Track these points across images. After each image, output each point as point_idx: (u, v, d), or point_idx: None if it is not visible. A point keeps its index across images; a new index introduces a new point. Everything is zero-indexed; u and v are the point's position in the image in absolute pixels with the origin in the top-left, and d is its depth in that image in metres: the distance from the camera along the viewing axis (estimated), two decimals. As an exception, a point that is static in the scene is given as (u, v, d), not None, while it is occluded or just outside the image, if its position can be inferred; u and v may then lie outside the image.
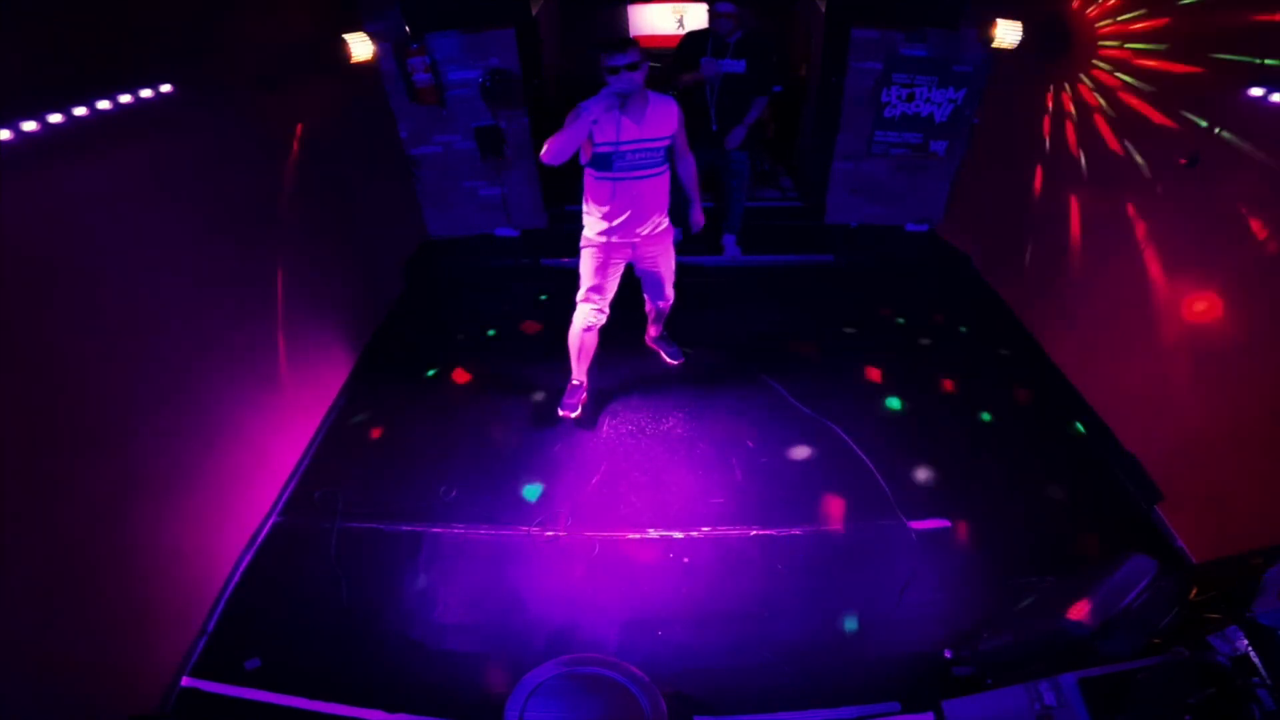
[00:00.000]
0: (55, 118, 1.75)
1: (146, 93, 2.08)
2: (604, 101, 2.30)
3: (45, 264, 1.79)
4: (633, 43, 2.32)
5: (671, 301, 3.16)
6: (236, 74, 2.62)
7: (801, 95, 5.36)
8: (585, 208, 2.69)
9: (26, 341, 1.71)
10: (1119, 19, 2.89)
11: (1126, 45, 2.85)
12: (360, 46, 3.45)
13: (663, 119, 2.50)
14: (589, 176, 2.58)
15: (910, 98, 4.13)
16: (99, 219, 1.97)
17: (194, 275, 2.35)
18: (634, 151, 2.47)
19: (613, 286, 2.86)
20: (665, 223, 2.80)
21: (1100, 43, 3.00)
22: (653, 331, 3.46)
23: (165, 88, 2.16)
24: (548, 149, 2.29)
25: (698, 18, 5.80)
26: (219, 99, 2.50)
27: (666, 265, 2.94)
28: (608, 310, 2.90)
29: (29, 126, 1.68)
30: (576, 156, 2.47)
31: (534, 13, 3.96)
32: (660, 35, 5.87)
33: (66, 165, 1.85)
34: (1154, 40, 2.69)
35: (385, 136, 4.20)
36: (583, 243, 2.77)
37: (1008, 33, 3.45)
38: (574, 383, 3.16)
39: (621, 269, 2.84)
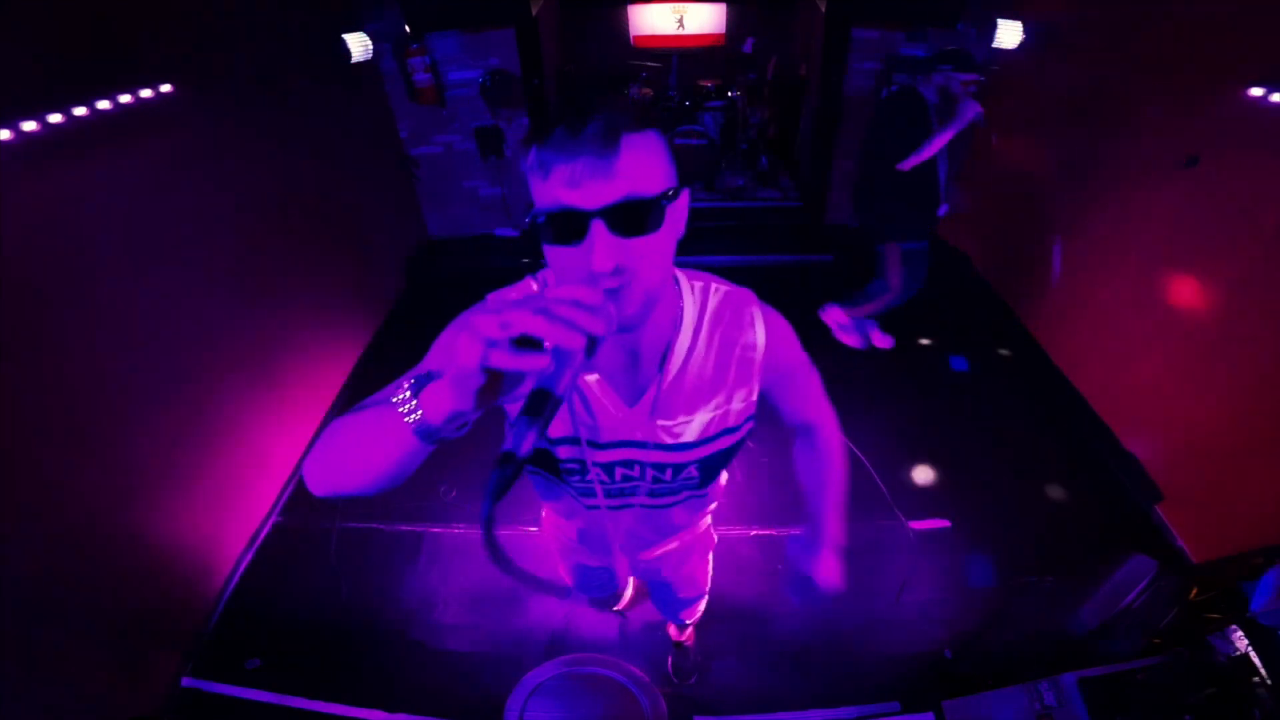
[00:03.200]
0: (55, 118, 1.75)
1: (146, 93, 2.08)
2: (473, 354, 0.56)
3: (45, 264, 1.79)
4: (641, 108, 0.85)
5: (692, 619, 1.81)
6: (236, 74, 2.62)
7: (801, 95, 5.36)
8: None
9: (26, 341, 1.71)
10: (1119, 18, 2.88)
11: (1126, 45, 2.84)
12: (360, 46, 3.45)
13: (725, 376, 0.93)
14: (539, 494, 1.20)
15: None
16: (99, 219, 1.97)
17: (193, 275, 2.35)
18: (610, 465, 0.98)
19: (610, 584, 1.57)
20: (707, 516, 1.38)
21: (1100, 42, 3.00)
22: (671, 629, 2.08)
23: (165, 88, 2.16)
24: (313, 458, 0.78)
25: (698, 18, 5.77)
26: (219, 99, 2.50)
27: (684, 584, 1.57)
28: (629, 592, 1.90)
29: (29, 126, 1.68)
30: None
31: (534, 13, 3.96)
32: (660, 35, 5.85)
33: (66, 165, 1.85)
34: (1153, 40, 2.69)
35: (385, 136, 4.20)
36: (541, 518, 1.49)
37: (1008, 33, 3.45)
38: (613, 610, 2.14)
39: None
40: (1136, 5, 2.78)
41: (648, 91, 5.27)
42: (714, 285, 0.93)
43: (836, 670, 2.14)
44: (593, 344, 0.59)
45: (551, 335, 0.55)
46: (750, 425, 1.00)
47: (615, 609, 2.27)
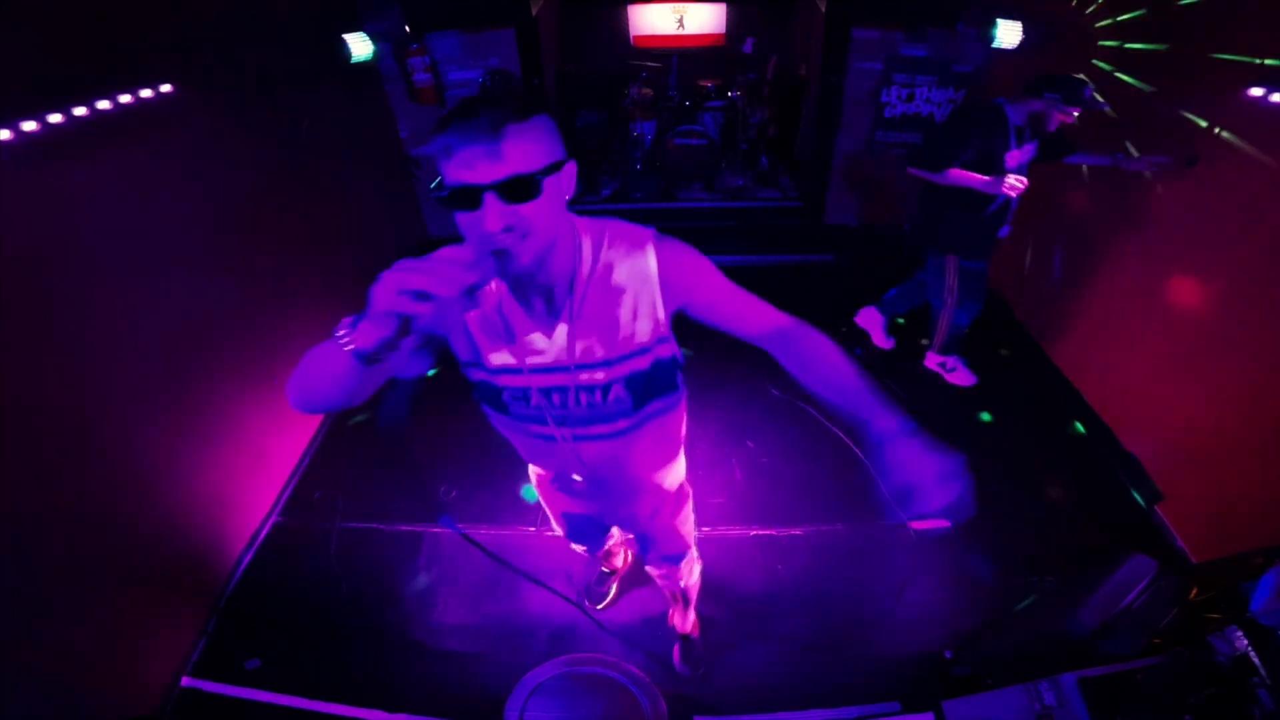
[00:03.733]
0: (55, 118, 1.75)
1: (146, 93, 2.08)
2: (395, 304, 0.77)
3: (45, 263, 1.79)
4: (525, 104, 0.89)
5: (688, 582, 1.82)
6: (236, 74, 2.62)
7: (801, 95, 5.36)
8: None
9: (26, 341, 1.71)
10: (1119, 19, 2.88)
11: (1126, 45, 2.85)
12: (360, 46, 3.45)
13: (629, 304, 1.05)
14: (484, 410, 1.29)
15: (910, 98, 4.14)
16: (99, 219, 1.96)
17: (193, 275, 2.35)
18: (548, 390, 1.11)
19: (596, 525, 1.70)
20: (672, 472, 1.47)
21: (1100, 42, 3.00)
22: (673, 616, 2.09)
23: (165, 88, 2.16)
24: (292, 382, 0.99)
25: (698, 18, 5.76)
26: (219, 99, 2.50)
27: (668, 539, 1.62)
28: (615, 538, 1.89)
29: (29, 126, 1.68)
30: None
31: (534, 13, 3.96)
32: (660, 35, 5.85)
33: (66, 165, 1.85)
34: (1153, 40, 2.69)
35: (385, 136, 4.20)
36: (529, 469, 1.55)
37: (1008, 33, 3.45)
38: (603, 569, 2.31)
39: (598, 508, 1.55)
40: (1137, 5, 2.78)
41: (648, 91, 5.26)
42: (610, 227, 1.07)
43: (836, 670, 2.14)
44: (471, 289, 0.78)
45: (432, 287, 0.75)
46: (666, 349, 1.11)
47: (599, 606, 2.31)
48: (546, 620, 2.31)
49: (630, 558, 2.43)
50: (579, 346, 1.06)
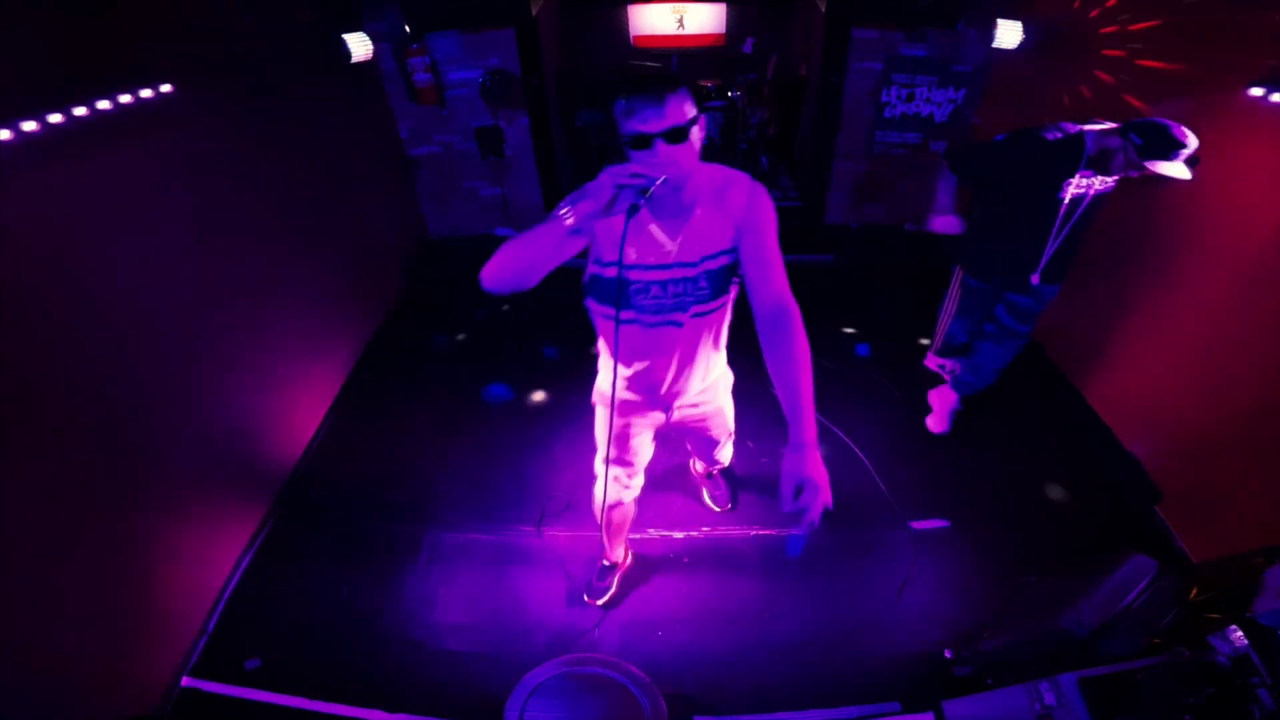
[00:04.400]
0: (55, 118, 1.75)
1: (146, 93, 2.08)
2: (610, 194, 1.22)
3: (45, 263, 1.79)
4: (674, 85, 1.26)
5: (728, 463, 2.32)
6: (236, 74, 2.62)
7: (801, 95, 5.36)
8: (597, 344, 1.78)
9: (25, 341, 1.71)
10: (1119, 19, 2.89)
11: (1126, 45, 2.85)
12: (360, 46, 3.45)
13: (724, 217, 1.42)
14: (591, 309, 1.62)
15: (910, 98, 4.14)
16: (99, 219, 1.97)
17: (193, 275, 2.35)
18: (666, 283, 1.47)
19: (645, 453, 1.99)
20: (718, 374, 1.86)
21: (1100, 42, 3.00)
22: (699, 465, 2.62)
23: (165, 88, 2.16)
24: (491, 264, 1.32)
25: (698, 18, 5.77)
26: (219, 99, 2.50)
27: (721, 426, 2.02)
28: (642, 479, 2.07)
29: (29, 126, 1.68)
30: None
31: (534, 13, 3.96)
32: (660, 35, 5.86)
33: (66, 165, 1.85)
34: (1154, 40, 2.69)
35: (385, 136, 4.20)
36: (594, 394, 1.91)
37: (1008, 33, 3.45)
38: (604, 563, 2.36)
39: (653, 431, 1.96)
40: (1137, 5, 2.78)
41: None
42: (718, 169, 1.45)
43: (836, 670, 2.14)
44: (646, 189, 1.22)
45: (634, 179, 1.21)
46: (732, 257, 1.47)
47: (600, 602, 2.32)
48: (546, 620, 2.31)
49: (631, 558, 2.44)
50: (689, 250, 1.44)
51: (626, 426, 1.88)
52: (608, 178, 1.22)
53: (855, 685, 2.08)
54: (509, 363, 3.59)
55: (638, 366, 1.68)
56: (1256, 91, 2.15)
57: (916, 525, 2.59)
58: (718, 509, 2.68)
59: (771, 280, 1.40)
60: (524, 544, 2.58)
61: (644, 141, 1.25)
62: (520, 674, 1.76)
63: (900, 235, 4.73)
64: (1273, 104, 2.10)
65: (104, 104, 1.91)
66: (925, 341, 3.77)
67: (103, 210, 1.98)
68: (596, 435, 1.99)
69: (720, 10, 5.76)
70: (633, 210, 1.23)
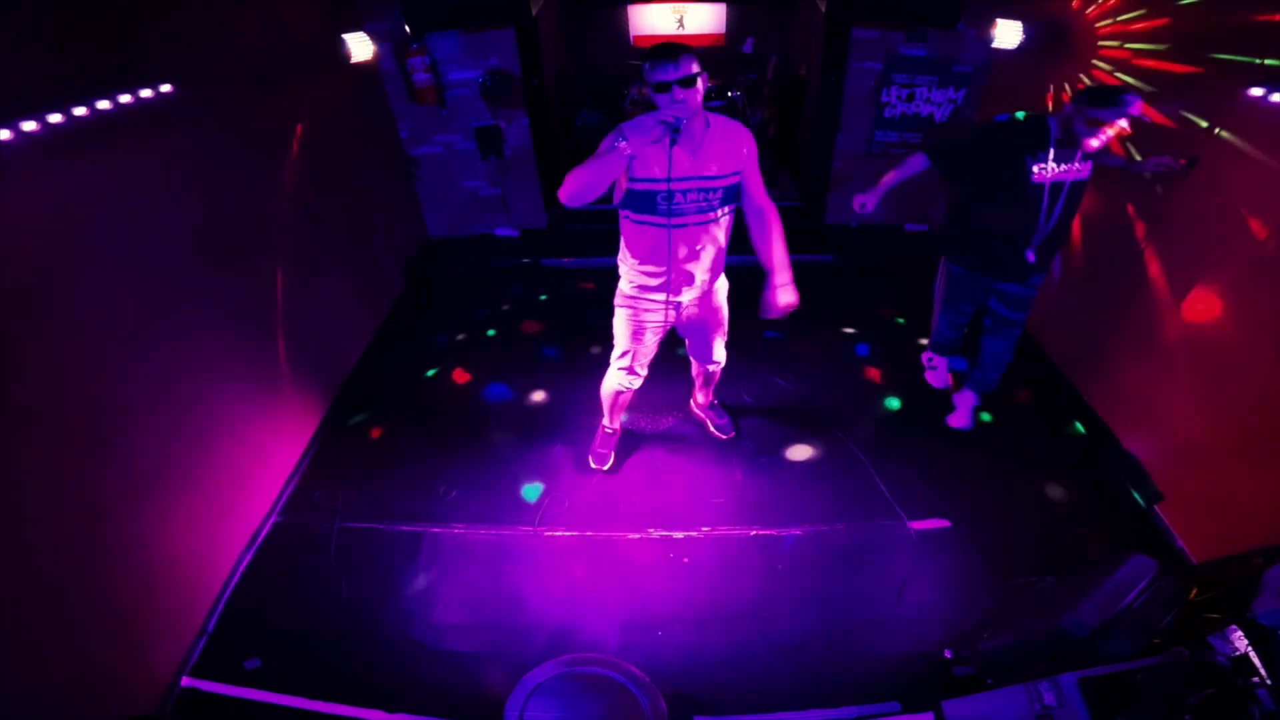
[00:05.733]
0: (55, 118, 1.75)
1: (146, 93, 2.08)
2: (650, 130, 1.75)
3: (44, 263, 1.79)
4: (686, 50, 1.80)
5: (724, 363, 2.72)
6: (236, 74, 2.62)
7: (801, 95, 5.36)
8: (621, 255, 2.27)
9: (25, 341, 1.71)
10: (1119, 19, 2.89)
11: (1126, 45, 2.85)
12: (360, 46, 3.45)
13: (728, 149, 2.00)
14: (625, 220, 2.13)
15: (910, 98, 4.13)
16: (99, 218, 1.97)
17: (193, 275, 2.35)
18: (686, 192, 1.98)
19: (652, 349, 2.48)
20: (720, 278, 2.39)
21: (1100, 42, 3.00)
22: (701, 398, 3.04)
23: (165, 88, 2.16)
24: (569, 185, 1.80)
25: (698, 18, 5.77)
26: (219, 99, 2.50)
27: (718, 324, 2.51)
28: (646, 372, 2.57)
29: (29, 126, 1.68)
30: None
31: (534, 13, 3.96)
32: (660, 35, 5.86)
33: (66, 165, 1.85)
34: (1154, 40, 2.69)
35: (385, 136, 4.20)
36: (617, 299, 2.37)
37: (1008, 33, 3.45)
38: (606, 429, 2.89)
39: (664, 331, 2.44)
40: (1138, 5, 2.78)
41: (648, 91, 5.27)
42: (721, 117, 2.04)
43: (836, 670, 2.14)
44: (675, 127, 1.77)
45: (670, 118, 1.77)
46: (738, 178, 2.05)
47: (604, 468, 2.84)
48: (546, 620, 2.31)
49: (621, 429, 2.95)
50: (704, 167, 1.97)
51: (641, 324, 2.36)
52: (650, 119, 1.76)
53: (855, 685, 2.08)
54: (509, 362, 3.60)
55: (660, 265, 2.15)
56: (1256, 91, 2.15)
57: (916, 525, 2.59)
58: (723, 436, 3.00)
59: (759, 191, 2.12)
60: (524, 544, 2.58)
61: (665, 87, 1.79)
62: (520, 674, 1.76)
63: (900, 235, 4.73)
64: (1273, 104, 2.10)
65: (104, 104, 1.91)
66: (924, 341, 3.77)
67: (103, 210, 1.98)
68: (615, 331, 2.45)
69: (720, 10, 5.77)
70: (675, 135, 1.78)
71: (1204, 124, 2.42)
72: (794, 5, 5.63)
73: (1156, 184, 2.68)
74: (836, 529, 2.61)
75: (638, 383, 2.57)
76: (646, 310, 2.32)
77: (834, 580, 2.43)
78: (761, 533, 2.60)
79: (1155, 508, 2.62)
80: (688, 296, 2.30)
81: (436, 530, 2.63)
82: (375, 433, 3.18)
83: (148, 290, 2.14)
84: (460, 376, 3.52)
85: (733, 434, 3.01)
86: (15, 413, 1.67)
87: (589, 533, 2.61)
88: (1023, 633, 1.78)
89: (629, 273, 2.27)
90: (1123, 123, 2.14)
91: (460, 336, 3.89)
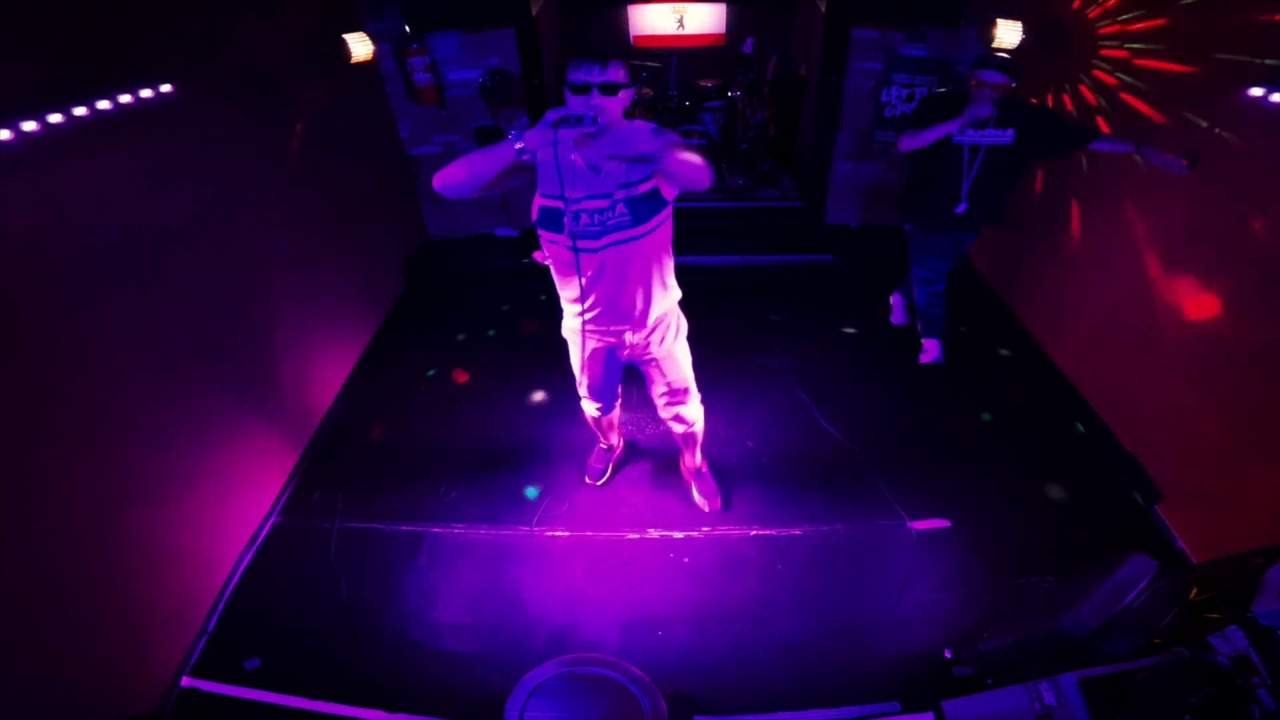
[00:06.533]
0: (55, 118, 1.75)
1: (146, 93, 2.08)
2: (546, 132, 1.52)
3: (44, 263, 1.79)
4: (616, 60, 1.63)
5: (695, 423, 2.42)
6: (236, 74, 2.62)
7: (801, 95, 5.36)
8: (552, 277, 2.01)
9: (25, 341, 1.71)
10: (1119, 19, 2.89)
11: (1126, 45, 2.85)
12: (360, 46, 3.45)
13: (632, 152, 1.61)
14: (542, 240, 1.86)
15: (910, 98, 4.13)
16: (99, 218, 1.97)
17: (193, 275, 2.35)
18: (593, 212, 1.73)
19: (612, 377, 2.27)
20: (669, 315, 2.07)
21: (1100, 42, 3.00)
22: (686, 459, 2.67)
23: (165, 88, 2.16)
24: (445, 171, 1.62)
25: (698, 18, 5.77)
26: (219, 99, 2.50)
27: (674, 368, 2.19)
28: (614, 398, 2.41)
29: (29, 126, 1.68)
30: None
31: (534, 13, 3.96)
32: (660, 35, 5.86)
33: (66, 165, 1.85)
34: (1154, 40, 2.69)
35: (385, 136, 4.20)
36: (564, 329, 2.14)
37: (1008, 33, 3.45)
38: (602, 446, 2.80)
39: (615, 365, 2.21)
40: (1138, 5, 2.78)
41: (648, 91, 5.26)
42: (636, 123, 1.70)
43: (836, 670, 2.14)
44: (578, 119, 1.53)
45: (575, 115, 1.53)
46: (650, 185, 1.75)
47: (599, 483, 2.77)
48: (546, 620, 2.31)
49: (622, 444, 2.89)
50: (609, 180, 1.72)
51: (589, 358, 2.15)
52: (550, 113, 1.53)
53: (855, 685, 2.08)
54: (509, 362, 3.59)
55: (583, 292, 1.89)
56: (1256, 91, 2.14)
57: (916, 525, 2.59)
58: (706, 507, 2.65)
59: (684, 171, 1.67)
60: (523, 543, 2.58)
61: (584, 89, 1.61)
62: (520, 674, 1.76)
63: (900, 235, 4.71)
64: (1273, 104, 2.10)
65: (104, 104, 1.91)
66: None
67: (103, 210, 1.98)
68: (573, 365, 2.25)
69: (720, 10, 5.76)
70: (562, 122, 1.52)
71: (1204, 124, 2.42)
72: (794, 5, 5.62)
73: (1157, 185, 2.67)
74: (836, 529, 2.61)
75: (606, 409, 2.41)
76: (584, 338, 2.06)
77: (834, 580, 2.43)
78: (761, 533, 2.59)
79: (1155, 508, 2.62)
80: (626, 334, 2.02)
81: (436, 530, 2.63)
82: (375, 433, 3.18)
83: (147, 291, 2.14)
84: (460, 376, 3.52)
85: (718, 505, 2.65)
86: (15, 412, 1.67)
87: (589, 533, 2.61)
88: (1023, 633, 1.78)
89: (563, 300, 2.04)
90: (1002, 80, 2.62)
91: (460, 336, 3.89)
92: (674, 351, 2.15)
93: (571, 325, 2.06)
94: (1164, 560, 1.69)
